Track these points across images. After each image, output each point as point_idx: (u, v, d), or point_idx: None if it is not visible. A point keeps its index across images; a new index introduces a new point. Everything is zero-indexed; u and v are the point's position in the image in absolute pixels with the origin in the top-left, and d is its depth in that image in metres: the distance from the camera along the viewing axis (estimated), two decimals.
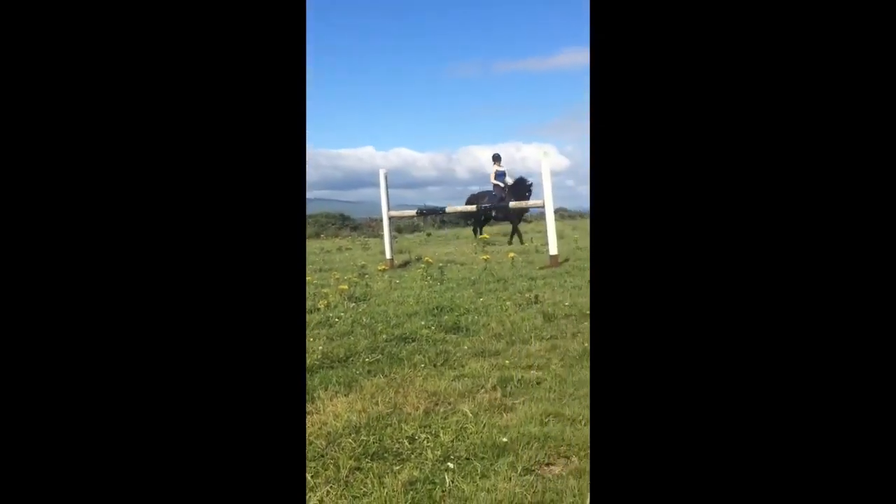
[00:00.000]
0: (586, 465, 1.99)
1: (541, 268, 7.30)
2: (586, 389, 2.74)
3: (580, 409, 2.49)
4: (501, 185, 13.08)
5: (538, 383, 2.89)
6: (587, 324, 4.07)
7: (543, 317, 4.33)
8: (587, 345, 3.53)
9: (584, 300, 4.87)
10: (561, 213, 27.43)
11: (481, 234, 13.24)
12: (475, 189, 14.08)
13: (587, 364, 3.16)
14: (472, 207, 11.06)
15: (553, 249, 7.63)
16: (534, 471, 1.99)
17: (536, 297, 5.10)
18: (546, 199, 7.94)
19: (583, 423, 2.34)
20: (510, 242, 12.62)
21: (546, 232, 7.95)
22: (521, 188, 13.01)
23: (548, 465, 2.04)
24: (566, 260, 7.94)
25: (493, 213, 13.23)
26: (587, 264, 7.44)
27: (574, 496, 1.77)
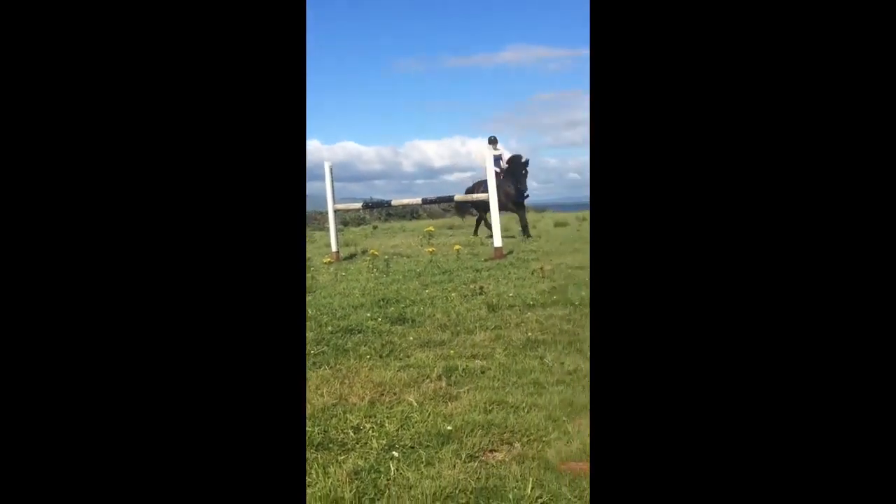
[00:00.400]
0: (529, 450, 2.04)
1: (485, 260, 7.37)
2: (529, 378, 2.80)
3: (523, 396, 2.54)
4: (497, 170, 11.27)
5: (482, 372, 2.94)
6: (530, 314, 4.14)
7: (488, 307, 4.39)
8: (530, 334, 3.59)
9: (527, 291, 4.95)
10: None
11: (477, 232, 12.11)
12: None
13: (530, 353, 3.22)
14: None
15: (498, 242, 7.70)
16: (478, 457, 2.02)
17: (481, 288, 5.15)
18: (490, 192, 8.01)
19: (525, 410, 2.39)
20: (526, 234, 11.56)
21: (491, 225, 8.02)
22: (517, 167, 11.60)
23: (491, 451, 2.08)
24: (510, 252, 8.03)
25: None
26: (531, 256, 7.54)
27: (517, 481, 1.81)
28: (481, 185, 11.80)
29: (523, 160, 11.57)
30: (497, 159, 11.78)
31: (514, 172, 11.51)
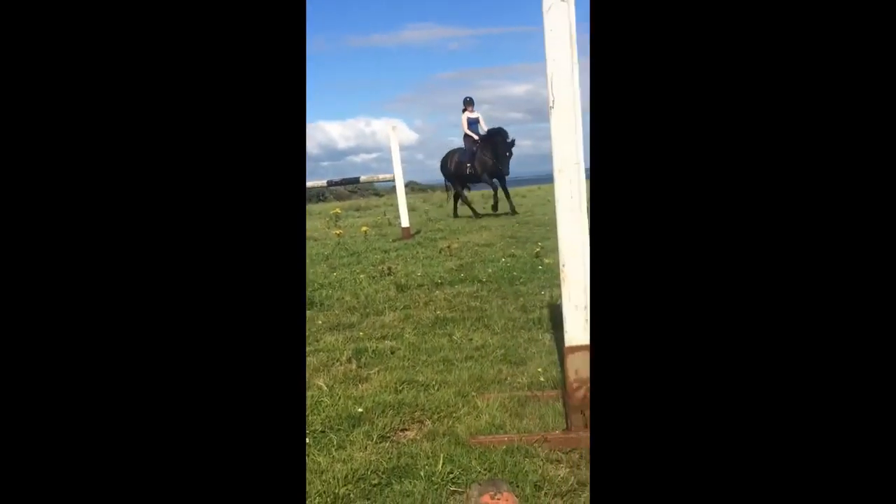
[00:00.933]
0: (439, 427, 2.06)
1: (393, 240, 7.37)
2: (438, 356, 2.83)
3: (433, 374, 2.57)
4: (475, 135, 10.45)
5: (392, 353, 2.94)
6: (438, 293, 4.18)
7: (396, 288, 4.39)
8: (439, 313, 3.63)
9: (435, 270, 4.99)
10: (412, 186, 27.75)
11: (457, 210, 10.95)
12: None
13: (439, 331, 3.25)
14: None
15: (405, 222, 7.71)
16: (389, 437, 2.03)
17: (389, 269, 5.15)
18: (396, 172, 7.99)
19: (435, 387, 2.42)
20: (494, 209, 10.51)
21: (398, 205, 8.01)
22: (500, 142, 10.10)
23: (402, 430, 2.10)
24: (418, 231, 8.06)
25: (468, 171, 10.43)
26: (438, 235, 7.60)
27: (428, 458, 1.83)
28: (455, 154, 10.69)
29: (509, 140, 10.11)
30: (474, 123, 10.54)
31: (495, 146, 10.09)
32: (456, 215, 10.90)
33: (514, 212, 10.20)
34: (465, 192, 11.18)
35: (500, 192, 10.32)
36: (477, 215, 10.42)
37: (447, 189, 11.48)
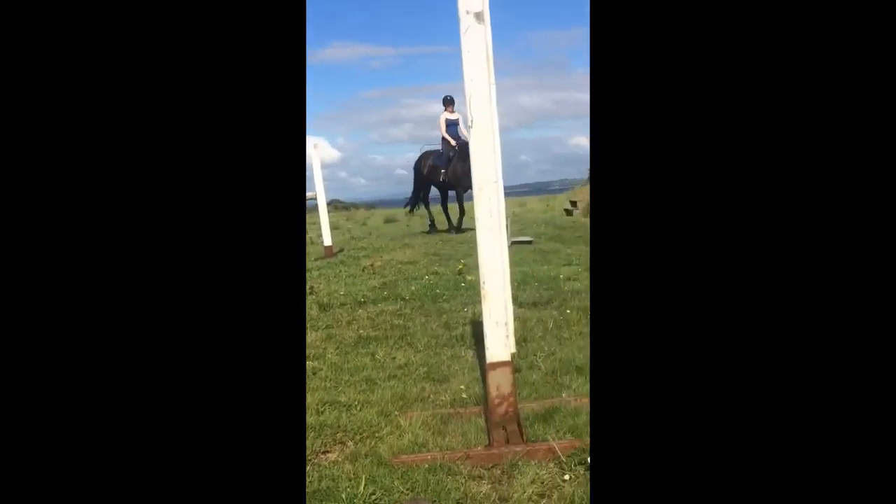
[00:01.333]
0: (362, 448, 2.04)
1: (316, 259, 7.26)
2: (361, 375, 2.80)
3: (355, 394, 2.54)
4: (452, 140, 9.26)
5: (314, 373, 2.89)
6: (361, 311, 4.14)
7: (319, 307, 4.33)
8: (362, 331, 3.59)
9: (358, 288, 4.95)
10: (335, 205, 27.51)
11: (416, 209, 10.07)
12: None
13: (362, 350, 3.22)
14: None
15: (327, 240, 7.62)
16: (310, 460, 1.99)
17: (311, 288, 5.07)
18: (318, 190, 7.90)
19: (358, 407, 2.39)
20: (456, 226, 9.52)
21: (320, 223, 7.91)
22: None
23: (324, 452, 2.06)
24: (341, 250, 7.98)
25: (442, 177, 9.45)
26: (361, 253, 7.54)
27: (350, 480, 1.80)
28: (430, 157, 9.68)
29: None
30: (453, 125, 9.34)
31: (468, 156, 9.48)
32: (415, 208, 10.11)
33: (455, 229, 9.58)
34: (430, 202, 10.27)
35: (455, 207, 9.61)
36: (434, 230, 9.71)
37: (422, 203, 10.33)
